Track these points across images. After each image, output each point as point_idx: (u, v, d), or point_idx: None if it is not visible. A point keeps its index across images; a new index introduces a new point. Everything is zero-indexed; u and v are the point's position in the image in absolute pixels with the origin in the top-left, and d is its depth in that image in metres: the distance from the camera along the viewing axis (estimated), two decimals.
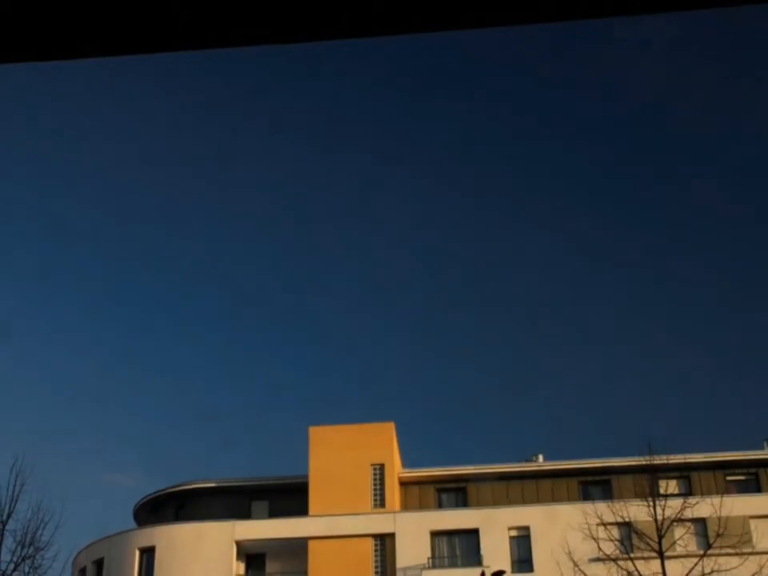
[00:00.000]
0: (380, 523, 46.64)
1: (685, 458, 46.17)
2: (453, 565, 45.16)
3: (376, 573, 45.74)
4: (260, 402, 79.44)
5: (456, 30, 2.15)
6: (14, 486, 38.05)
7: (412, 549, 45.72)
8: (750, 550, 41.80)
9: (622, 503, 41.36)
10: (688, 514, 39.78)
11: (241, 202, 77.12)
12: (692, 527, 42.52)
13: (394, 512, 47.28)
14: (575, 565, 37.80)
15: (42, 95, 73.78)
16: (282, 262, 77.46)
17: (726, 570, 38.88)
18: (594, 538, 40.73)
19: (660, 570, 35.97)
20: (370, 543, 46.44)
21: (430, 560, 45.82)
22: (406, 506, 48.94)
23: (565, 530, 43.02)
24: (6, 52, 2.17)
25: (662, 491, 42.04)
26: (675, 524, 39.61)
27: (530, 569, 44.03)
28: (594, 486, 48.61)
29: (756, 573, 39.52)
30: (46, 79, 64.34)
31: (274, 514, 48.96)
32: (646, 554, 38.74)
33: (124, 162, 78.61)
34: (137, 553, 47.41)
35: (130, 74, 66.32)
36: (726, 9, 2.11)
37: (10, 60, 2.20)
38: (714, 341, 73.63)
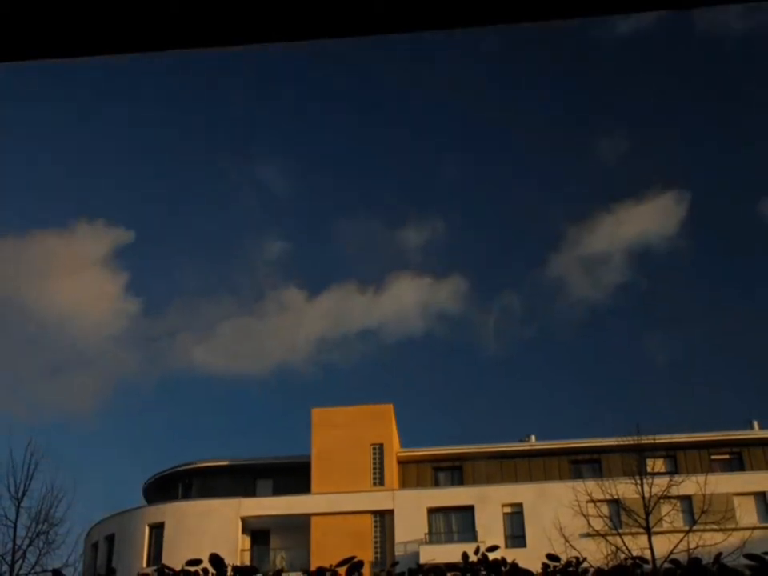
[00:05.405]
0: (379, 500, 47.55)
1: (671, 438, 47.28)
2: (449, 540, 45.66)
3: (375, 548, 46.52)
4: (265, 386, 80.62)
5: (456, 30, 2.13)
6: (29, 465, 39.23)
7: (410, 525, 46.57)
8: (733, 526, 42.27)
9: (610, 481, 41.93)
10: (674, 491, 40.31)
11: (243, 195, 78.32)
12: (678, 504, 43.15)
13: (393, 490, 48.09)
14: (566, 540, 37.53)
15: (42, 94, 74.35)
16: (284, 248, 78.64)
17: (711, 545, 39.61)
18: (584, 515, 41.00)
19: (647, 546, 35.27)
20: (369, 519, 47.33)
21: (427, 535, 46.69)
22: (404, 484, 49.67)
23: (556, 507, 43.88)
24: (7, 52, 2.17)
25: (649, 470, 42.71)
26: (662, 501, 39.67)
27: (523, 544, 44.61)
28: (585, 464, 49.46)
29: (739, 547, 40.37)
30: (46, 79, 64.87)
31: (278, 491, 49.79)
32: (633, 530, 38.96)
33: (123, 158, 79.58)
34: (147, 529, 48.07)
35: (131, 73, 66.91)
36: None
37: (10, 60, 2.19)
38: (701, 325, 74.94)
